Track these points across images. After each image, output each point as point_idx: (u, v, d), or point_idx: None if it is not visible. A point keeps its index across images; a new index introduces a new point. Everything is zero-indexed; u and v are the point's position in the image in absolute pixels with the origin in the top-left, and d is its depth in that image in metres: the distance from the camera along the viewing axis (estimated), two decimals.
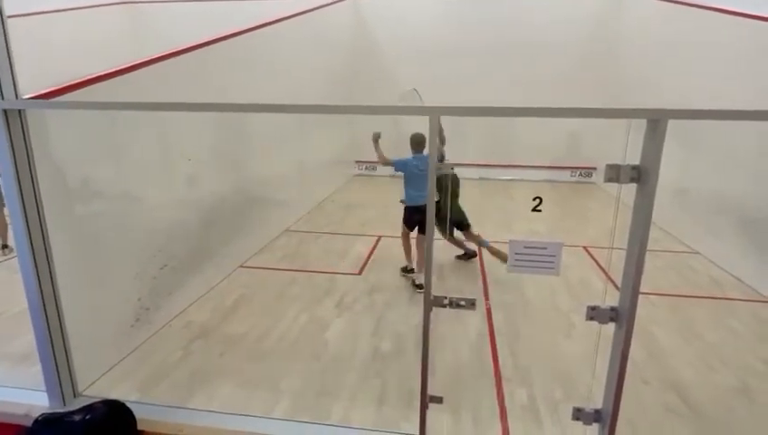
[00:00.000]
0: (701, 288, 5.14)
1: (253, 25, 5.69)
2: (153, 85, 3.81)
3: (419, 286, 4.87)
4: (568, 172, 10.74)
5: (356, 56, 10.30)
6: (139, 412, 2.50)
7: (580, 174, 10.76)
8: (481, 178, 10.51)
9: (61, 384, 2.69)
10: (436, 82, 9.78)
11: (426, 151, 4.85)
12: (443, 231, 5.39)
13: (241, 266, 5.50)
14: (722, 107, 1.80)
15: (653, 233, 1.97)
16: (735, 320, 4.36)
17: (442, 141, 5.00)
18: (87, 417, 2.31)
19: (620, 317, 2.11)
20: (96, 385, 3.23)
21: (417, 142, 4.92)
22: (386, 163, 5.05)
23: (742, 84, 5.31)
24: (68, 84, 3.02)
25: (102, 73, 3.33)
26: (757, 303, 4.73)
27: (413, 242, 5.22)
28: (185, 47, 4.32)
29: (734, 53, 5.67)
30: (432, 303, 2.28)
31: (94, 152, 3.32)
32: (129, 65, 3.60)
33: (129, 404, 2.50)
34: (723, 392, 3.32)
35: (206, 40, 4.66)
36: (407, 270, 5.27)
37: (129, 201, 3.69)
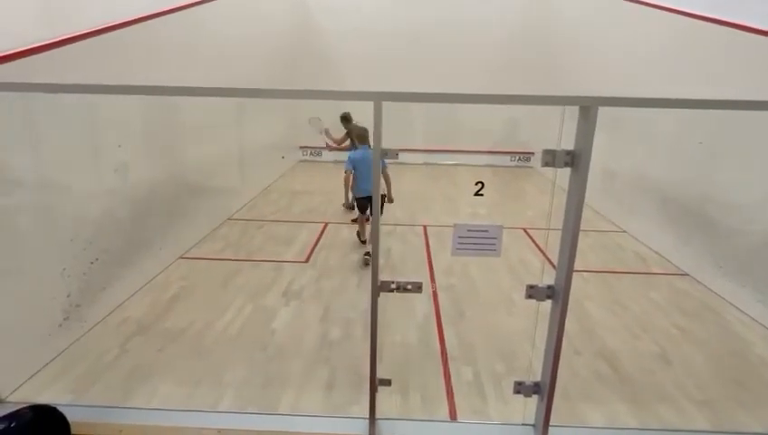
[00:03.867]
0: (627, 264, 5.55)
1: (184, 4, 5.37)
2: (75, 64, 3.51)
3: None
4: (508, 157, 11.14)
5: (297, 38, 10.03)
6: (72, 416, 2.35)
7: (520, 159, 11.19)
8: (425, 164, 10.68)
9: None
10: (378, 65, 9.76)
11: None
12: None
13: (181, 258, 5.26)
14: (646, 95, 1.93)
15: (584, 213, 2.09)
16: (655, 291, 4.75)
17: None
18: (11, 425, 2.14)
19: (556, 294, 2.24)
20: (21, 390, 3.00)
21: (362, 137, 5.22)
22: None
23: (664, 73, 5.71)
24: None
25: (11, 53, 3.02)
26: (673, 275, 5.18)
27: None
28: (106, 26, 4.00)
29: (661, 44, 6.06)
30: (379, 288, 2.30)
31: (7, 137, 3.02)
32: (44, 44, 3.28)
33: (60, 408, 2.33)
34: (644, 358, 3.62)
35: (130, 18, 4.34)
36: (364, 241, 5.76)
37: (52, 191, 3.40)
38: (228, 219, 6.69)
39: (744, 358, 3.68)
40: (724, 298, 4.58)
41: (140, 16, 4.46)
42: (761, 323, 4.12)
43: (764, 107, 2.05)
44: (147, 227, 4.60)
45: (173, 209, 5.13)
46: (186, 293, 4.50)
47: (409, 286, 2.31)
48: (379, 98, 1.88)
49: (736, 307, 4.41)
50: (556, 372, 2.30)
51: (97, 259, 3.79)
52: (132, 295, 4.34)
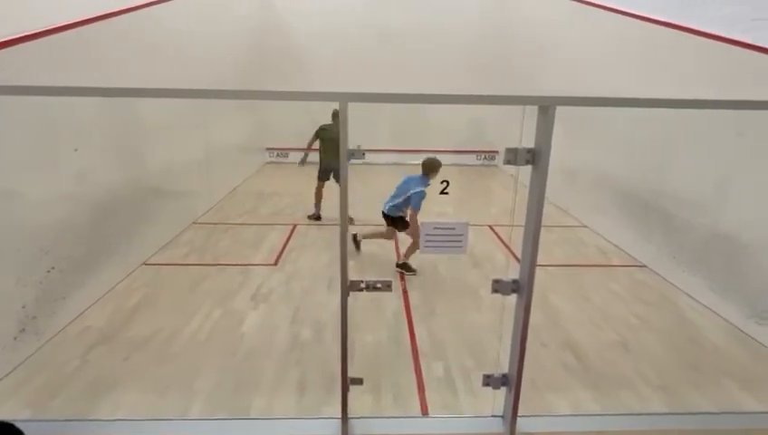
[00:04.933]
0: (588, 257, 5.75)
1: (145, 2, 5.22)
2: (25, 65, 3.36)
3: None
4: (473, 156, 11.35)
5: (262, 38, 9.90)
6: (31, 431, 2.25)
7: (485, 158, 11.42)
8: (394, 164, 10.72)
9: None
10: (344, 65, 9.76)
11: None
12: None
13: (144, 264, 5.11)
14: (604, 95, 2.02)
15: (547, 209, 2.17)
16: (615, 283, 4.95)
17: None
18: None
19: (521, 288, 2.31)
20: None
21: (433, 168, 4.97)
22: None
23: (621, 75, 5.95)
24: None
25: None
26: (632, 267, 5.41)
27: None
28: (62, 24, 3.85)
29: (615, 46, 6.31)
30: (349, 287, 2.31)
31: None
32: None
33: (18, 424, 2.24)
34: (606, 347, 3.78)
35: (87, 17, 4.19)
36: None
37: (2, 197, 3.25)
38: (193, 223, 6.55)
39: (698, 344, 3.88)
40: (679, 288, 4.82)
41: (97, 15, 4.30)
42: (712, 311, 4.36)
43: (710, 105, 2.18)
44: (107, 233, 4.45)
45: (135, 214, 4.98)
46: (150, 300, 4.37)
47: (379, 285, 2.34)
48: (344, 98, 1.90)
49: (690, 296, 4.65)
50: (522, 364, 2.38)
51: (54, 268, 3.65)
52: (93, 304, 4.19)
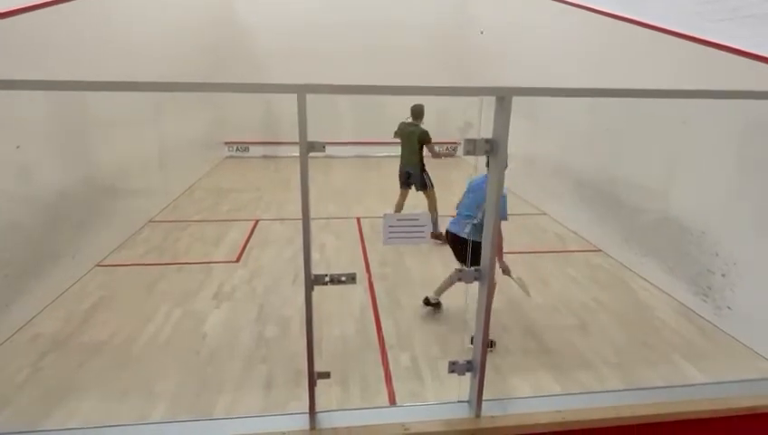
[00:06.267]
0: (547, 244, 5.94)
1: None
2: None
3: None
4: (437, 147, 11.43)
5: (219, 31, 9.59)
6: None
7: (448, 148, 11.55)
8: (356, 156, 10.70)
9: None
10: (303, 59, 9.63)
11: None
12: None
13: (98, 266, 4.90)
14: (559, 86, 2.07)
15: (509, 198, 2.22)
16: (573, 268, 5.14)
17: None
18: None
19: (482, 276, 2.35)
20: None
21: None
22: None
23: (576, 66, 6.13)
24: None
25: None
26: (589, 252, 5.63)
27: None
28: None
29: (572, 39, 6.49)
30: (313, 282, 2.29)
31: None
32: None
33: None
34: (566, 330, 3.92)
35: (31, 4, 3.93)
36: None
37: None
38: (150, 222, 6.32)
39: (649, 322, 4.09)
40: (631, 269, 5.05)
41: (41, 2, 4.05)
42: (662, 290, 4.60)
43: (659, 95, 2.27)
44: (57, 235, 4.23)
45: (87, 214, 4.75)
46: (105, 302, 4.20)
47: (343, 278, 2.32)
48: (301, 90, 1.86)
49: (641, 277, 4.88)
50: (486, 350, 2.43)
51: None
52: (43, 309, 3.99)
